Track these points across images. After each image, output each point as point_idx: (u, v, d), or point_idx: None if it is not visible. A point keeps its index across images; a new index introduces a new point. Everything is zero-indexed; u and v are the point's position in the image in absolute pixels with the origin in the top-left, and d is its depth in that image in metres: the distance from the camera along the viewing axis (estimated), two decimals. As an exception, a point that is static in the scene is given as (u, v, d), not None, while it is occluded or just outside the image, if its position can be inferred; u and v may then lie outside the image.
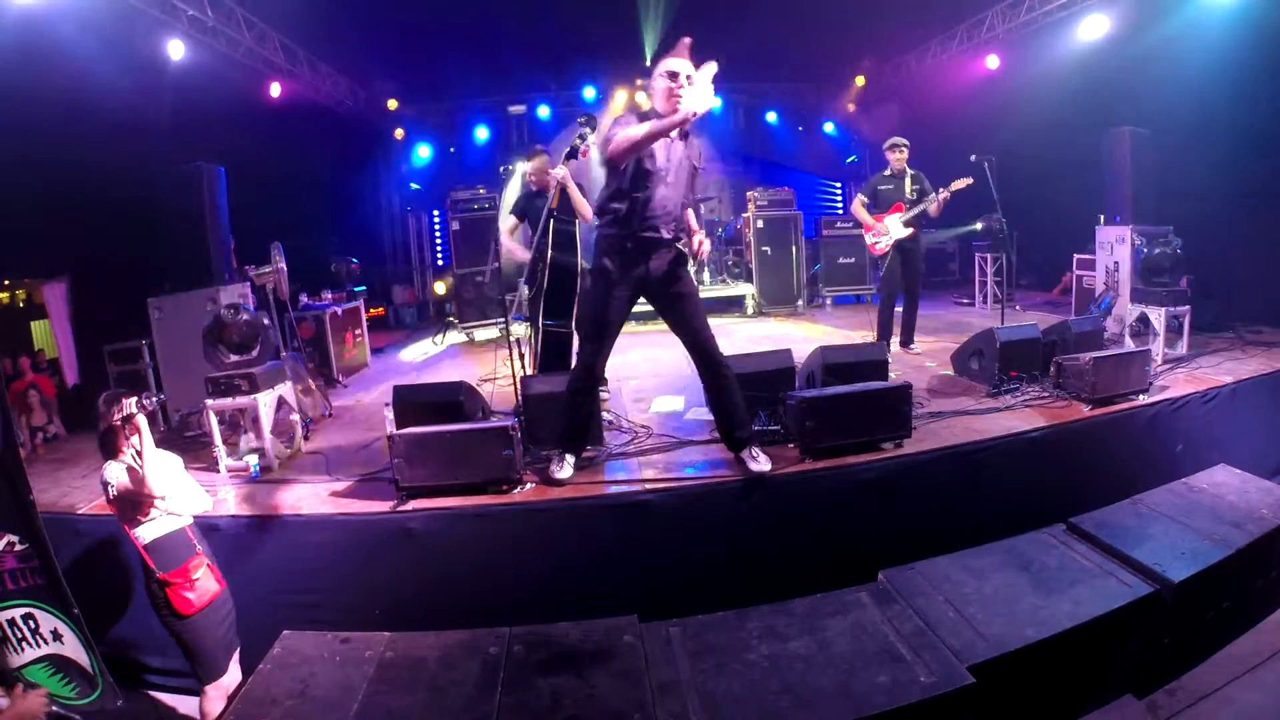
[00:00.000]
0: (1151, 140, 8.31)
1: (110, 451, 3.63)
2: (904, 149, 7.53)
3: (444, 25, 11.24)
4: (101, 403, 3.62)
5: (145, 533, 3.59)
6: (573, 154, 5.79)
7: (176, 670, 4.29)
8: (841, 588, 3.89)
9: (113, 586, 4.34)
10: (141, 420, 3.60)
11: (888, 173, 7.63)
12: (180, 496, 3.77)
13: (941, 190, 7.22)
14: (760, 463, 4.59)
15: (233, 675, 3.80)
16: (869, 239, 7.73)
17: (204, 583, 3.69)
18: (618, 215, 4.40)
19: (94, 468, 4.31)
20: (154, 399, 3.78)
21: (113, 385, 6.62)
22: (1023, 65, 10.61)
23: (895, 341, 7.71)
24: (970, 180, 7.11)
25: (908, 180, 7.47)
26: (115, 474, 3.54)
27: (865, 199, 7.72)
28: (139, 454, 3.55)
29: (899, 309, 7.82)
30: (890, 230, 7.44)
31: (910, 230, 7.41)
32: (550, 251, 5.71)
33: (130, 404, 3.58)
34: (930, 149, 9.04)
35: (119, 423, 3.57)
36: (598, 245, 4.62)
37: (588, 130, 5.80)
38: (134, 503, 3.57)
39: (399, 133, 14.21)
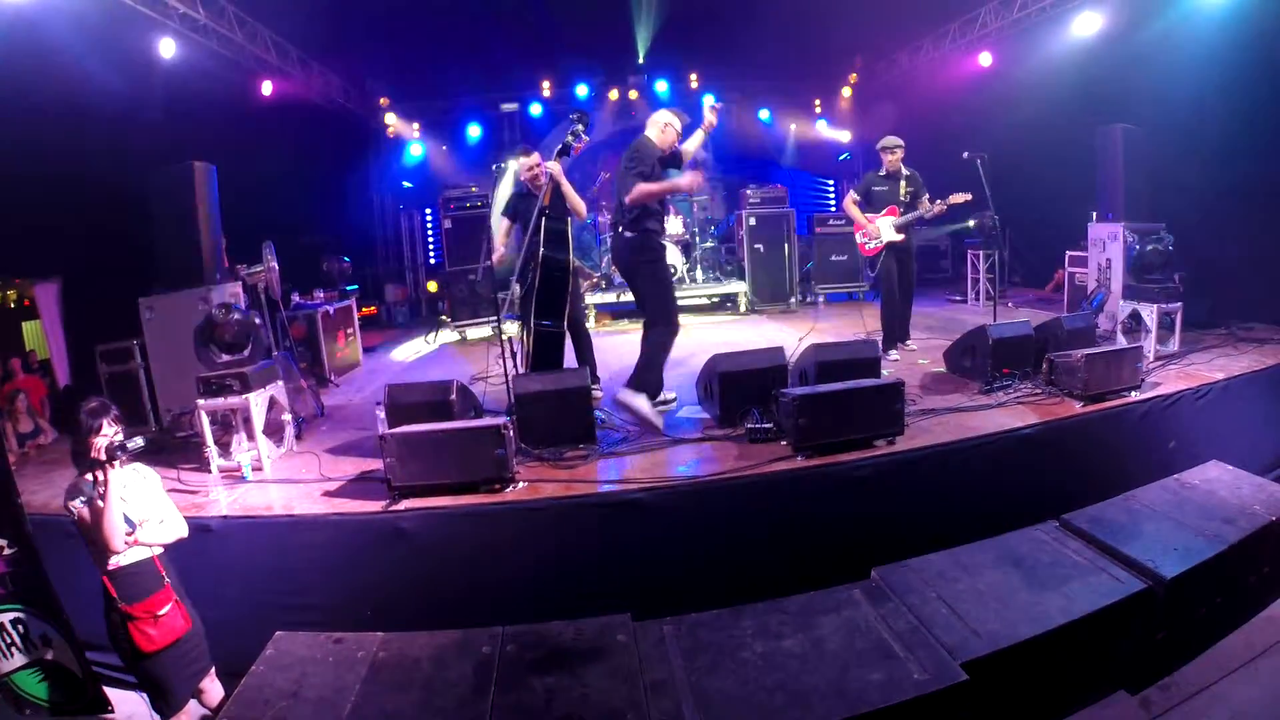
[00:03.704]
0: (1144, 137, 8.32)
1: (81, 465, 3.40)
2: (898, 150, 7.51)
3: (436, 23, 11.22)
4: (85, 412, 3.38)
5: (110, 560, 3.37)
6: (565, 150, 5.80)
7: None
8: (834, 585, 3.88)
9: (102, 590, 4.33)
10: (113, 475, 3.33)
11: (882, 172, 7.63)
12: (153, 529, 3.51)
13: (939, 202, 7.26)
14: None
15: (214, 693, 3.74)
16: (859, 238, 7.77)
17: (169, 620, 3.49)
18: (658, 222, 5.80)
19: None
20: (137, 444, 3.46)
21: (104, 386, 6.59)
22: (1015, 62, 10.63)
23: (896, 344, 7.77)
24: (969, 196, 7.16)
25: (903, 181, 7.48)
26: (76, 502, 3.32)
27: (857, 197, 7.73)
28: (103, 497, 3.31)
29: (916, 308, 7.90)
30: (882, 233, 7.46)
31: (901, 236, 7.45)
32: (542, 250, 5.70)
33: (100, 445, 3.32)
34: (923, 146, 9.02)
35: (94, 452, 3.32)
36: (649, 241, 5.74)
37: (580, 127, 5.80)
38: (88, 537, 3.36)
39: (390, 117, 14.07)
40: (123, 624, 3.39)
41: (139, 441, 3.48)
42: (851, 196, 7.81)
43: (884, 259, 7.54)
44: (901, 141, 7.55)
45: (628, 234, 5.70)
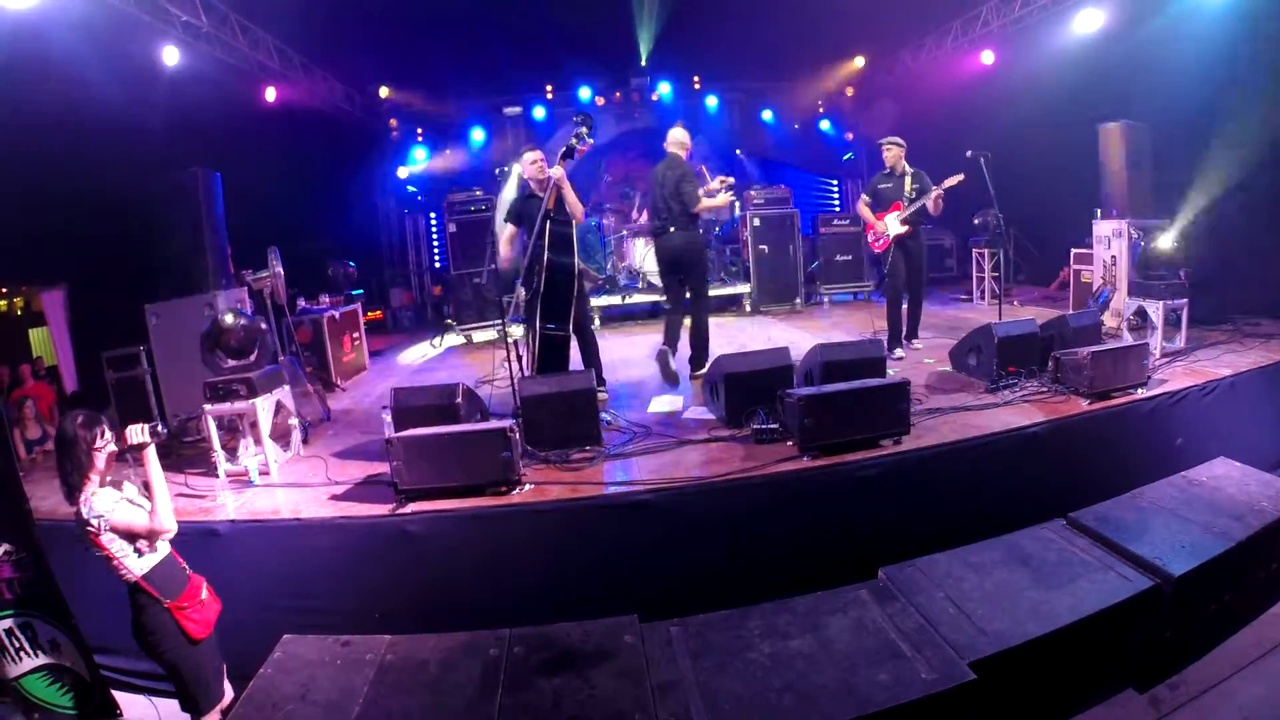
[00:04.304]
0: (1147, 133, 8.31)
1: (79, 479, 3.27)
2: (895, 147, 7.62)
3: (439, 28, 11.24)
4: (80, 427, 3.29)
5: (140, 565, 3.33)
6: (569, 153, 5.80)
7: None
8: (842, 585, 3.88)
9: (111, 594, 4.32)
10: (151, 451, 3.39)
11: (886, 171, 7.73)
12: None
13: (934, 188, 7.28)
14: None
15: (224, 694, 3.71)
16: (870, 237, 7.89)
17: (210, 603, 3.56)
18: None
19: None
20: (161, 426, 3.51)
21: (111, 392, 6.61)
22: (1018, 60, 10.63)
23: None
24: (961, 177, 7.17)
25: (907, 179, 7.54)
26: (109, 506, 3.26)
27: (868, 198, 7.88)
28: (147, 486, 3.38)
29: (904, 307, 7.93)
30: (889, 228, 7.54)
31: (907, 228, 7.50)
32: (547, 254, 5.70)
33: (139, 431, 3.36)
34: (927, 145, 9.01)
35: (124, 449, 3.37)
36: (701, 239, 7.25)
37: (584, 129, 5.81)
38: (130, 537, 3.32)
39: (393, 122, 14.15)
40: (171, 619, 3.39)
41: (161, 426, 3.53)
42: (863, 199, 7.99)
43: (892, 254, 7.61)
44: (898, 139, 7.66)
45: (687, 232, 6.92)
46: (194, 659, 3.46)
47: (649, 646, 3.44)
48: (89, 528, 3.23)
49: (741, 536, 4.57)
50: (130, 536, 3.32)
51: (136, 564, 3.33)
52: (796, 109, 15.61)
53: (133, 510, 3.33)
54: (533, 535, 4.45)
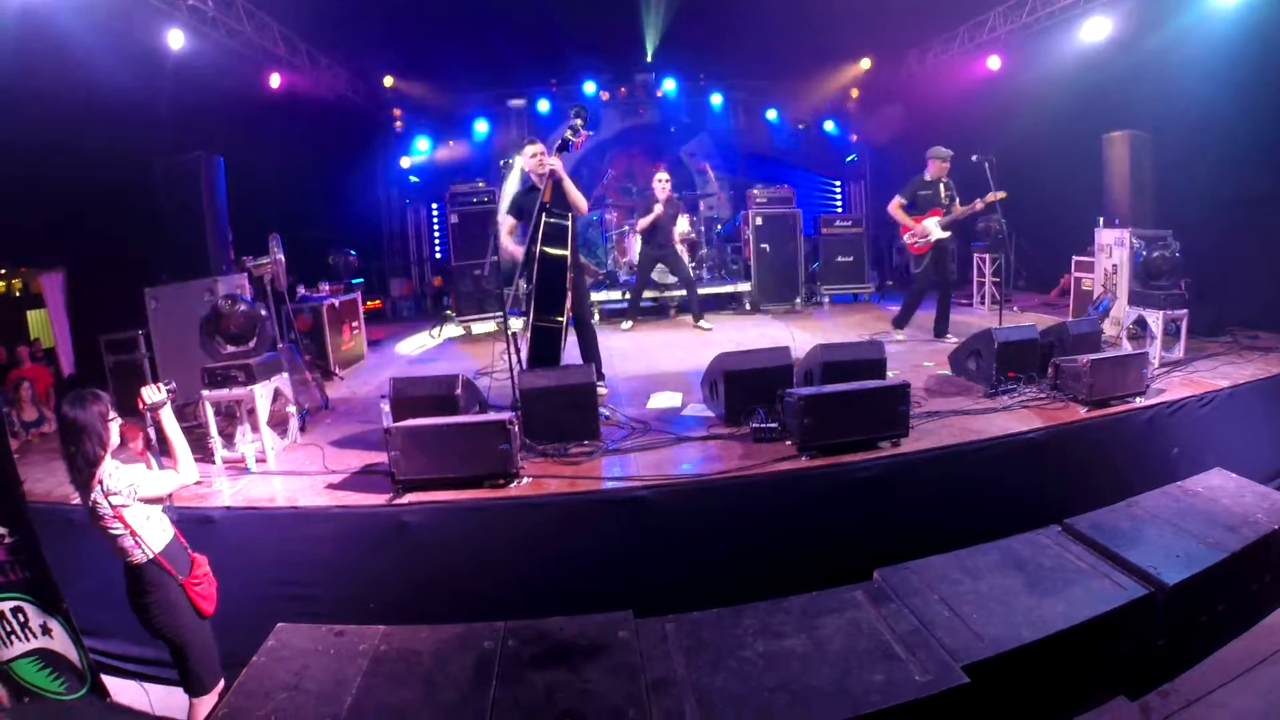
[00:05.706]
0: (1151, 143, 8.31)
1: (95, 455, 3.27)
2: (949, 160, 7.98)
3: (444, 18, 11.22)
4: (88, 399, 3.30)
5: (158, 541, 3.37)
6: (565, 146, 5.80)
7: (169, 661, 4.26)
8: (837, 586, 3.88)
9: (106, 578, 4.31)
10: (167, 408, 3.54)
11: (928, 178, 8.05)
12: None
13: (978, 200, 7.66)
14: None
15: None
16: (908, 239, 8.19)
17: (212, 578, 3.62)
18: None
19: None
20: (173, 384, 3.68)
21: (109, 376, 6.60)
22: (1024, 67, 10.61)
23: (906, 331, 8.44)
24: (1004, 194, 7.45)
25: (942, 186, 7.95)
26: (135, 476, 3.30)
27: (904, 201, 8.16)
28: (165, 439, 3.50)
29: (920, 310, 8.48)
30: (930, 232, 7.92)
31: (949, 234, 7.92)
32: (540, 246, 5.69)
33: (153, 390, 3.50)
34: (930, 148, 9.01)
35: (143, 409, 3.52)
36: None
37: (579, 121, 5.81)
38: (146, 509, 3.34)
39: (397, 112, 14.12)
40: (184, 596, 3.44)
41: (172, 383, 3.70)
42: (898, 201, 8.21)
43: (928, 256, 8.06)
44: (951, 152, 8.00)
45: None
46: (203, 635, 3.53)
47: (643, 643, 3.43)
48: (116, 502, 3.25)
49: (738, 535, 4.57)
50: (154, 505, 3.38)
51: (156, 540, 3.37)
52: (801, 109, 15.54)
53: (157, 474, 3.41)
54: (529, 529, 4.45)
